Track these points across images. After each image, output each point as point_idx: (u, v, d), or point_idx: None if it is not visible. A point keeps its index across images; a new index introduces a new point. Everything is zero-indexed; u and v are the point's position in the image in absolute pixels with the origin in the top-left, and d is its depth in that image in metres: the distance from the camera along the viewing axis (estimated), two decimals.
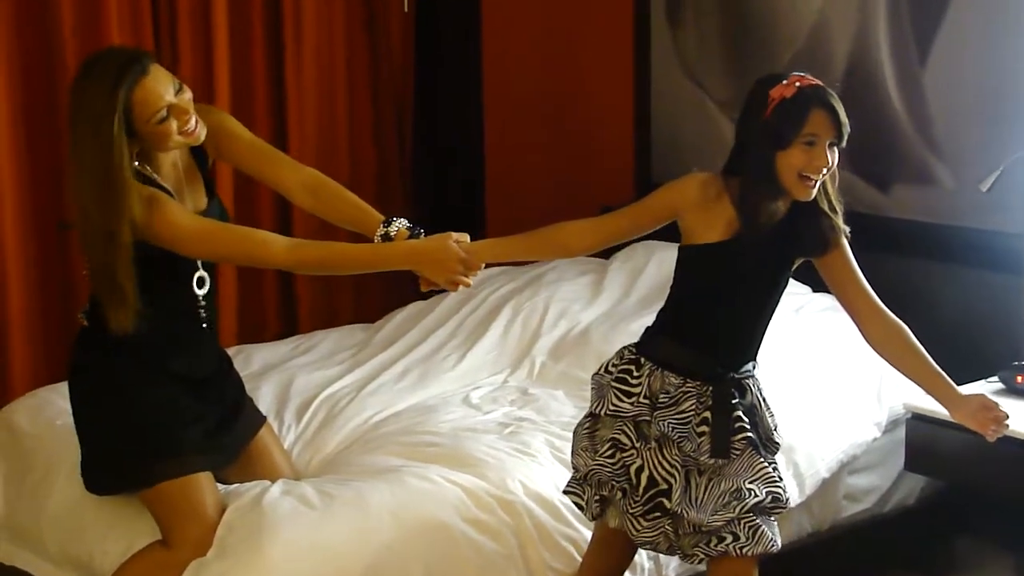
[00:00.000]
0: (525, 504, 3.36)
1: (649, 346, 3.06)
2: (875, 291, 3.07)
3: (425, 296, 4.77)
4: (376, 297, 5.41)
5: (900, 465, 3.85)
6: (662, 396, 2.99)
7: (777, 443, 3.07)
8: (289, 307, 5.36)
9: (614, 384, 3.04)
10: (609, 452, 3.03)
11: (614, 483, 3.03)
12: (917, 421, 3.69)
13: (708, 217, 2.96)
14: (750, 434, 2.97)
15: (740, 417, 2.97)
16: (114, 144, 3.06)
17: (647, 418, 3.00)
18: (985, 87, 4.23)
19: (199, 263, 3.33)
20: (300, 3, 5.23)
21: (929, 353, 3.00)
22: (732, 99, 4.87)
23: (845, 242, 3.02)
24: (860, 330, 3.07)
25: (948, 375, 3.06)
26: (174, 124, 3.16)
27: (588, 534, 3.30)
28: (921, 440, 3.68)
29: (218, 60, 5.00)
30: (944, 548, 4.26)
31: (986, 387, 3.75)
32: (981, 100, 4.24)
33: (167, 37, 4.97)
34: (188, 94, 3.20)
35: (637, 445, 3.01)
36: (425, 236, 3.30)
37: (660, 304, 4.26)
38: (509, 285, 4.67)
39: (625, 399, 3.02)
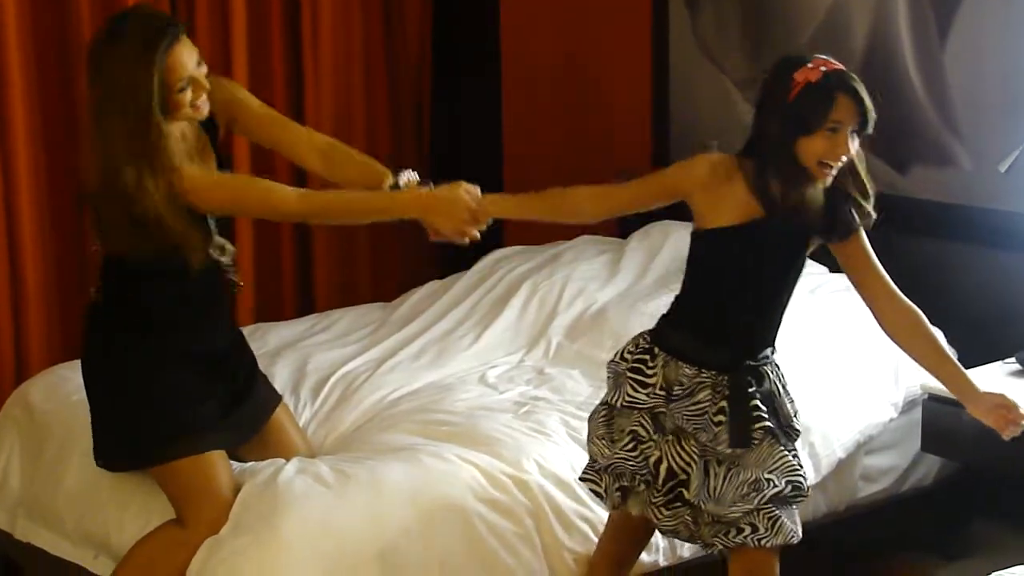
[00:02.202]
0: (540, 484, 3.36)
1: (663, 335, 3.03)
2: (892, 273, 3.05)
3: (442, 275, 4.79)
4: (393, 276, 5.41)
5: (917, 446, 3.84)
6: (676, 388, 2.96)
7: (798, 430, 3.03)
8: (306, 285, 5.36)
9: (630, 374, 3.01)
10: (630, 445, 3.01)
11: (638, 475, 3.02)
12: (934, 402, 3.68)
13: (717, 199, 2.92)
14: (768, 423, 2.94)
15: (758, 406, 2.94)
16: (154, 103, 3.07)
17: (663, 410, 2.98)
18: (1005, 67, 4.20)
19: (213, 231, 3.31)
20: None
21: (946, 334, 2.98)
22: (750, 78, 4.85)
23: (861, 229, 2.99)
24: (875, 316, 3.04)
25: (965, 356, 3.05)
26: (189, 96, 3.16)
27: (603, 514, 3.30)
28: (938, 421, 3.67)
29: (235, 37, 4.99)
30: (960, 529, 4.26)
31: (1003, 368, 3.74)
32: (1001, 81, 4.22)
33: (184, 17, 4.97)
34: (205, 69, 3.20)
35: (655, 437, 2.99)
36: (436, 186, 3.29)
37: (677, 284, 4.25)
38: (526, 264, 4.66)
39: (641, 390, 2.99)
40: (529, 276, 4.54)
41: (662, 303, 4.19)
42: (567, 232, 4.89)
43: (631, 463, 3.01)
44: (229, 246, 3.36)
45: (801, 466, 3.00)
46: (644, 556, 3.39)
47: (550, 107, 5.67)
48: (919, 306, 3.06)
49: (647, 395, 2.99)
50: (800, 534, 3.03)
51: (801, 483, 2.98)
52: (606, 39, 5.47)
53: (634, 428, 3.00)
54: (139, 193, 3.09)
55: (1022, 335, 3.92)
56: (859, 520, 4.00)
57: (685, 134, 5.23)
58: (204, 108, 3.23)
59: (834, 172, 2.87)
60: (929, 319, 3.06)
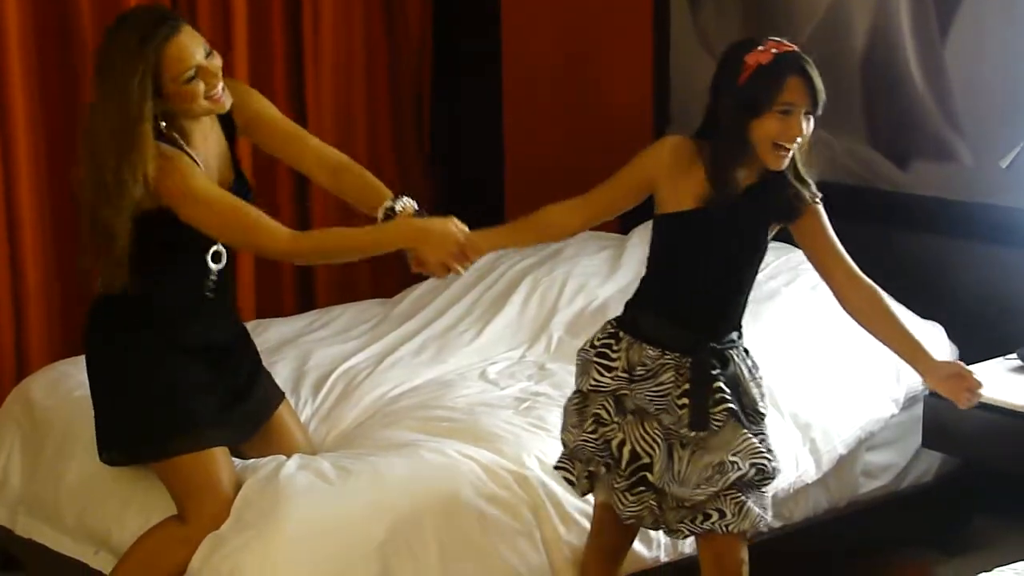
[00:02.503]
0: (541, 479, 3.36)
1: (627, 319, 3.06)
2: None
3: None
4: (394, 272, 5.39)
5: (917, 442, 3.84)
6: (639, 369, 2.98)
7: (762, 413, 3.02)
8: (306, 282, 5.36)
9: (595, 359, 3.03)
10: (591, 428, 3.03)
11: (597, 458, 3.03)
12: (935, 398, 3.68)
13: (681, 184, 2.94)
14: (731, 405, 2.93)
15: (721, 388, 2.94)
16: (137, 95, 3.06)
17: (626, 391, 3.00)
18: (1007, 63, 4.20)
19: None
20: None
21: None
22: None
23: (820, 209, 2.97)
24: (835, 296, 3.03)
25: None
26: (201, 87, 3.15)
27: None
28: (939, 417, 3.66)
29: (236, 38, 4.99)
30: (961, 525, 4.26)
31: (1004, 364, 3.74)
32: (1002, 76, 4.22)
33: (186, 18, 4.96)
34: (218, 60, 3.19)
35: (617, 419, 3.01)
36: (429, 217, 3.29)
37: None
38: (527, 260, 4.66)
39: (605, 373, 3.01)
40: (530, 272, 4.54)
41: None
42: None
43: (591, 445, 3.03)
44: (225, 255, 3.35)
45: (768, 449, 2.98)
46: (645, 552, 3.40)
47: (551, 103, 5.66)
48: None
49: (611, 378, 3.01)
50: (769, 519, 3.03)
51: (765, 466, 2.96)
52: (607, 34, 5.46)
53: (597, 411, 3.03)
54: (107, 196, 3.09)
55: (1023, 331, 3.92)
56: (860, 516, 4.00)
57: (685, 127, 5.20)
58: (225, 100, 3.22)
59: (790, 154, 2.87)
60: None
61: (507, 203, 5.77)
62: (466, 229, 3.23)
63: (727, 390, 2.94)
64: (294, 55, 5.25)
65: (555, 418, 3.59)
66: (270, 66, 5.15)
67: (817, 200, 2.96)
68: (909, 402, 4.00)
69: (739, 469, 2.94)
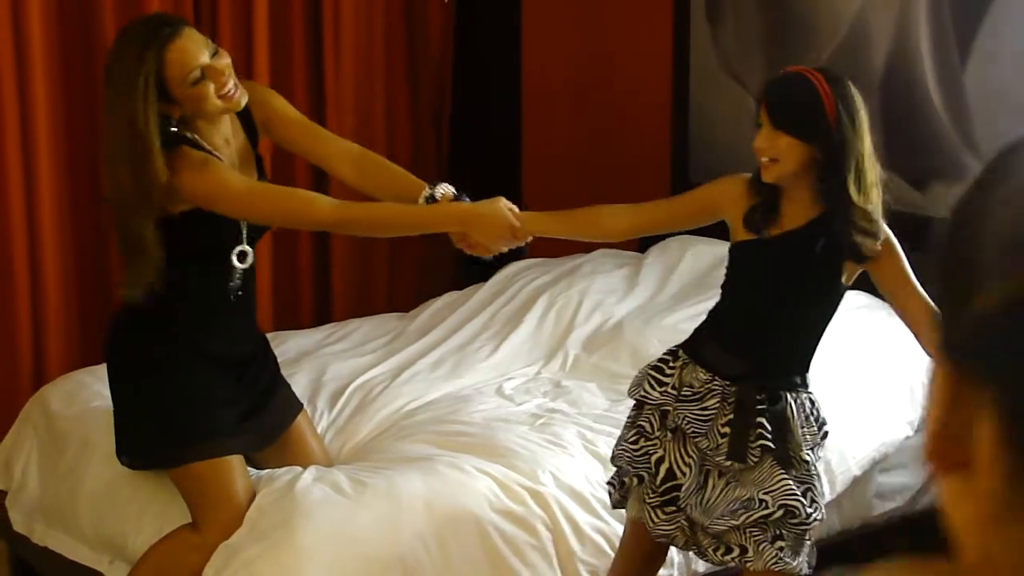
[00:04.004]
0: (556, 496, 3.37)
1: (690, 340, 3.07)
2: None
3: (460, 286, 4.80)
4: (411, 286, 5.42)
5: None
6: (685, 390, 2.99)
7: (805, 461, 2.96)
8: (323, 295, 5.38)
9: (650, 372, 3.05)
10: (633, 438, 3.05)
11: (631, 468, 3.04)
12: None
13: (742, 214, 2.97)
14: (767, 443, 2.92)
15: (762, 424, 2.92)
16: (141, 103, 3.04)
17: (670, 407, 3.01)
18: None
19: (243, 236, 3.31)
20: None
21: None
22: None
23: (892, 249, 2.90)
24: (916, 338, 2.96)
25: None
26: (211, 87, 3.12)
27: (619, 527, 3.31)
28: None
29: (257, 44, 5.01)
30: None
31: None
32: (1021, 99, 4.22)
33: (207, 29, 5.00)
34: (226, 59, 3.16)
35: (659, 435, 3.02)
36: (471, 200, 3.29)
37: (695, 299, 4.26)
38: (544, 277, 4.68)
39: (656, 387, 3.02)
40: (547, 289, 4.55)
41: (679, 318, 4.23)
42: (586, 245, 4.91)
43: (628, 455, 3.04)
44: (250, 253, 3.37)
45: (807, 495, 2.94)
46: (660, 571, 3.40)
47: (569, 119, 5.68)
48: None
49: (660, 393, 3.02)
50: (801, 567, 2.98)
51: (796, 509, 2.91)
52: (627, 57, 5.48)
53: (642, 424, 3.04)
54: (125, 203, 3.10)
55: None
56: (873, 538, 4.00)
57: (704, 148, 5.24)
58: (240, 96, 3.19)
59: (770, 168, 2.85)
60: None
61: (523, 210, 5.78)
62: (516, 209, 3.24)
63: (768, 427, 2.92)
64: (314, 63, 5.26)
65: (571, 435, 3.61)
66: (289, 74, 5.17)
67: (888, 238, 2.90)
68: (924, 424, 3.99)
69: (766, 508, 2.91)
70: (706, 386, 2.98)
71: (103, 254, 4.79)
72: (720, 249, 4.56)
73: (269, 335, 4.41)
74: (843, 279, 2.95)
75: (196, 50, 3.11)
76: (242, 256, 3.33)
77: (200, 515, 3.24)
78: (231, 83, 3.17)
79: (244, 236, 3.31)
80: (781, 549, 2.94)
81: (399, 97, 5.51)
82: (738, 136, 5.03)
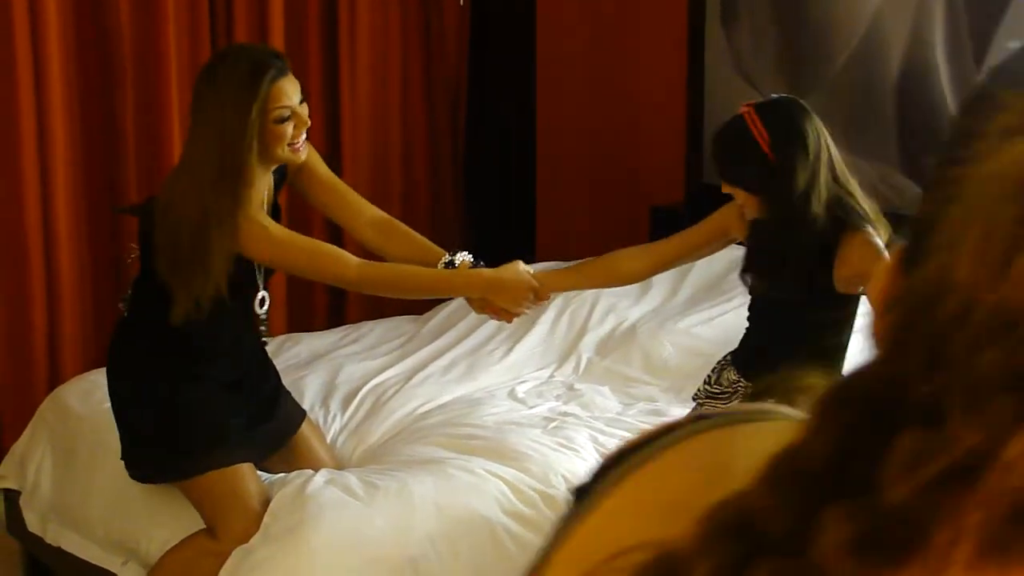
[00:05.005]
0: (567, 499, 3.35)
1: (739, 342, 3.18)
2: None
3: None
4: None
5: None
6: (716, 387, 3.07)
7: None
8: (337, 297, 5.39)
9: (710, 372, 3.17)
10: None
11: None
12: None
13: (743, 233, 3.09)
14: None
15: None
16: (246, 126, 3.06)
17: (701, 400, 3.13)
18: None
19: (261, 283, 3.33)
20: None
21: None
22: None
23: (864, 239, 2.86)
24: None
25: None
26: (290, 130, 3.14)
27: None
28: None
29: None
30: None
31: None
32: None
33: (223, 32, 5.01)
34: (307, 109, 3.20)
35: None
36: (486, 267, 3.32)
37: (709, 303, 4.28)
38: None
39: (704, 384, 3.16)
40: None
41: (693, 321, 4.23)
42: (599, 249, 4.90)
43: None
44: (267, 298, 3.37)
45: None
46: None
47: (583, 123, 5.68)
48: None
49: (702, 389, 3.14)
50: None
51: None
52: (641, 61, 5.48)
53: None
54: (206, 225, 3.08)
55: None
56: None
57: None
58: (303, 151, 3.21)
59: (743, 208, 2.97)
60: None
61: (537, 218, 5.79)
62: (532, 271, 3.28)
63: None
64: (329, 71, 5.28)
65: (583, 438, 3.61)
66: (304, 83, 5.17)
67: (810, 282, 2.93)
68: None
69: None
70: (733, 386, 3.06)
71: (118, 256, 4.80)
72: (733, 254, 4.56)
73: (283, 337, 4.44)
74: (825, 281, 2.91)
75: (293, 92, 3.15)
76: (262, 302, 3.35)
77: (217, 523, 3.24)
78: (304, 137, 3.20)
79: (261, 282, 3.33)
80: None
81: (415, 105, 5.52)
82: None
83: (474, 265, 3.32)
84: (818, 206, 2.85)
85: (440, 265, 3.31)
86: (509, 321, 3.42)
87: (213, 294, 3.14)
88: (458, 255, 3.33)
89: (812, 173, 2.83)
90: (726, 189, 2.95)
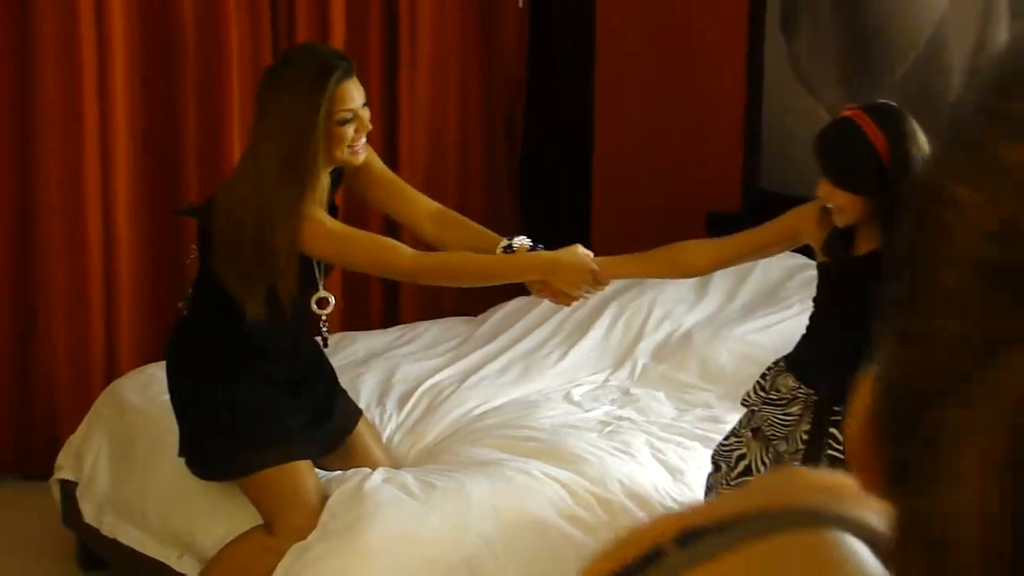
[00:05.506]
0: (624, 503, 3.36)
1: (792, 349, 3.13)
2: None
3: (528, 291, 4.81)
4: (479, 290, 5.42)
5: None
6: (773, 393, 3.04)
7: None
8: (392, 296, 5.40)
9: (759, 378, 3.12)
10: (727, 436, 3.15)
11: (714, 458, 3.14)
12: None
13: (820, 237, 3.02)
14: (837, 454, 2.95)
15: (833, 434, 2.96)
16: (313, 125, 3.10)
17: (757, 407, 3.08)
18: None
19: (320, 283, 3.34)
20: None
21: None
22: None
23: None
24: None
25: None
26: (350, 132, 3.17)
27: None
28: None
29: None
30: None
31: None
32: None
33: (284, 34, 5.04)
34: (369, 114, 3.22)
35: (744, 433, 3.09)
36: (546, 250, 3.31)
37: (765, 310, 4.26)
38: (613, 284, 4.65)
39: (757, 391, 3.10)
40: (616, 297, 4.54)
41: (749, 329, 4.22)
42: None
43: (717, 446, 3.16)
44: (332, 299, 3.39)
45: None
46: None
47: (642, 127, 5.67)
48: None
49: (756, 395, 3.09)
50: None
51: None
52: (701, 67, 5.47)
53: (737, 423, 3.14)
54: (271, 224, 3.11)
55: None
56: None
57: (776, 161, 5.22)
58: (362, 154, 3.24)
59: (834, 214, 2.90)
60: None
61: (593, 222, 5.78)
62: (592, 255, 3.26)
63: (839, 436, 2.95)
64: (389, 72, 5.29)
65: (639, 443, 3.61)
66: (365, 79, 5.19)
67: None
68: None
69: None
70: (792, 392, 3.02)
71: (176, 249, 4.83)
72: (790, 261, 4.57)
73: (339, 335, 4.45)
74: None
75: (357, 95, 3.18)
76: (321, 303, 3.36)
77: (275, 520, 3.26)
78: (364, 140, 3.23)
79: (321, 282, 3.34)
80: None
81: (472, 107, 5.53)
82: (810, 147, 5.00)
83: (532, 249, 3.31)
84: None
85: (498, 250, 3.31)
86: (568, 304, 3.38)
87: (289, 295, 3.16)
88: (516, 239, 3.32)
89: None
90: (823, 191, 2.88)
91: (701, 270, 3.33)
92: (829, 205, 2.90)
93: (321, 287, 3.35)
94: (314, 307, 3.35)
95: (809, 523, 0.72)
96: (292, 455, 3.28)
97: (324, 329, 3.43)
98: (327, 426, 3.49)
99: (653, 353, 4.30)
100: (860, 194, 2.84)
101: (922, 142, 2.84)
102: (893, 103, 2.92)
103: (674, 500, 3.41)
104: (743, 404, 3.13)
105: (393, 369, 4.16)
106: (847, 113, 2.87)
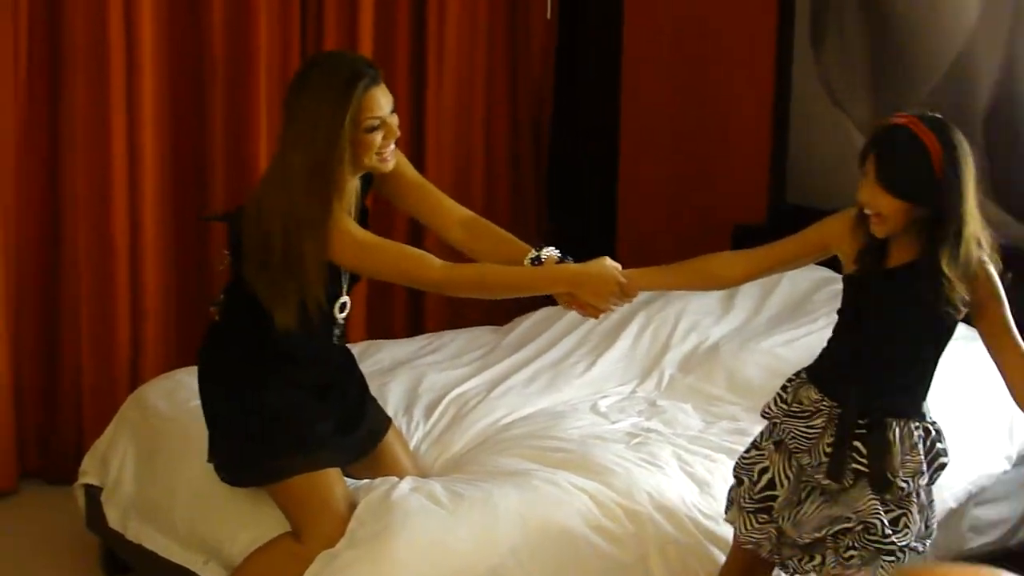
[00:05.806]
0: (651, 515, 3.35)
1: (813, 361, 3.10)
2: (1017, 324, 3.01)
3: (555, 301, 4.80)
4: (505, 300, 5.43)
5: None
6: (795, 405, 3.02)
7: (901, 488, 2.94)
8: (416, 305, 5.40)
9: (779, 391, 3.09)
10: (748, 448, 3.12)
11: (736, 472, 3.12)
12: None
13: (850, 248, 2.99)
14: (861, 467, 2.94)
15: (857, 448, 2.94)
16: (342, 136, 3.10)
17: (778, 419, 3.05)
18: None
19: (344, 288, 3.35)
20: (444, 5, 5.28)
21: None
22: (874, 123, 4.83)
23: (993, 295, 2.91)
24: (1008, 388, 2.98)
25: None
26: (378, 139, 3.18)
27: (713, 550, 3.31)
28: None
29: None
30: None
31: None
32: None
33: (312, 41, 5.05)
34: (397, 120, 3.23)
35: (766, 445, 3.07)
36: (573, 262, 3.31)
37: (792, 323, 4.24)
38: (640, 296, 4.65)
39: (777, 403, 3.07)
40: (643, 308, 4.54)
41: (776, 341, 4.21)
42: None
43: (738, 460, 3.14)
44: (348, 302, 3.39)
45: (897, 522, 2.94)
46: None
47: (668, 139, 5.67)
48: None
49: (777, 408, 3.06)
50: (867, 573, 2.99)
51: (874, 525, 2.92)
52: (728, 82, 5.46)
53: (758, 436, 3.11)
54: (299, 232, 3.11)
55: None
56: None
57: (802, 175, 5.21)
58: (391, 161, 3.25)
59: (872, 221, 2.87)
60: None
61: (619, 234, 5.78)
62: (620, 267, 3.26)
63: (863, 451, 2.94)
64: (416, 82, 5.31)
65: (667, 455, 3.60)
66: (392, 83, 5.18)
67: (960, 307, 2.89)
68: (1022, 459, 3.95)
69: (847, 521, 2.96)
70: (815, 404, 3.00)
71: (203, 255, 4.85)
72: (817, 274, 4.56)
73: (364, 344, 4.46)
74: (948, 319, 2.92)
75: (385, 102, 3.19)
76: (343, 307, 3.37)
77: (303, 527, 3.25)
78: (392, 146, 3.24)
79: (345, 288, 3.35)
80: (850, 557, 2.96)
81: (499, 115, 5.54)
82: (837, 161, 5.01)
83: (561, 260, 3.31)
84: (975, 225, 2.85)
85: (526, 261, 3.31)
86: (596, 317, 3.38)
87: (317, 303, 3.16)
88: (544, 250, 3.33)
89: (960, 218, 2.82)
90: (866, 196, 2.85)
91: (730, 282, 3.31)
92: (869, 212, 2.87)
93: (345, 292, 3.35)
94: (337, 313, 3.36)
95: None
96: (321, 462, 3.28)
97: (338, 332, 3.42)
98: (357, 432, 3.49)
99: (680, 365, 4.30)
100: (910, 201, 2.82)
101: (969, 154, 2.84)
102: (939, 115, 2.91)
103: (701, 512, 3.40)
104: (764, 416, 3.11)
105: (420, 378, 4.15)
106: (901, 121, 2.85)
